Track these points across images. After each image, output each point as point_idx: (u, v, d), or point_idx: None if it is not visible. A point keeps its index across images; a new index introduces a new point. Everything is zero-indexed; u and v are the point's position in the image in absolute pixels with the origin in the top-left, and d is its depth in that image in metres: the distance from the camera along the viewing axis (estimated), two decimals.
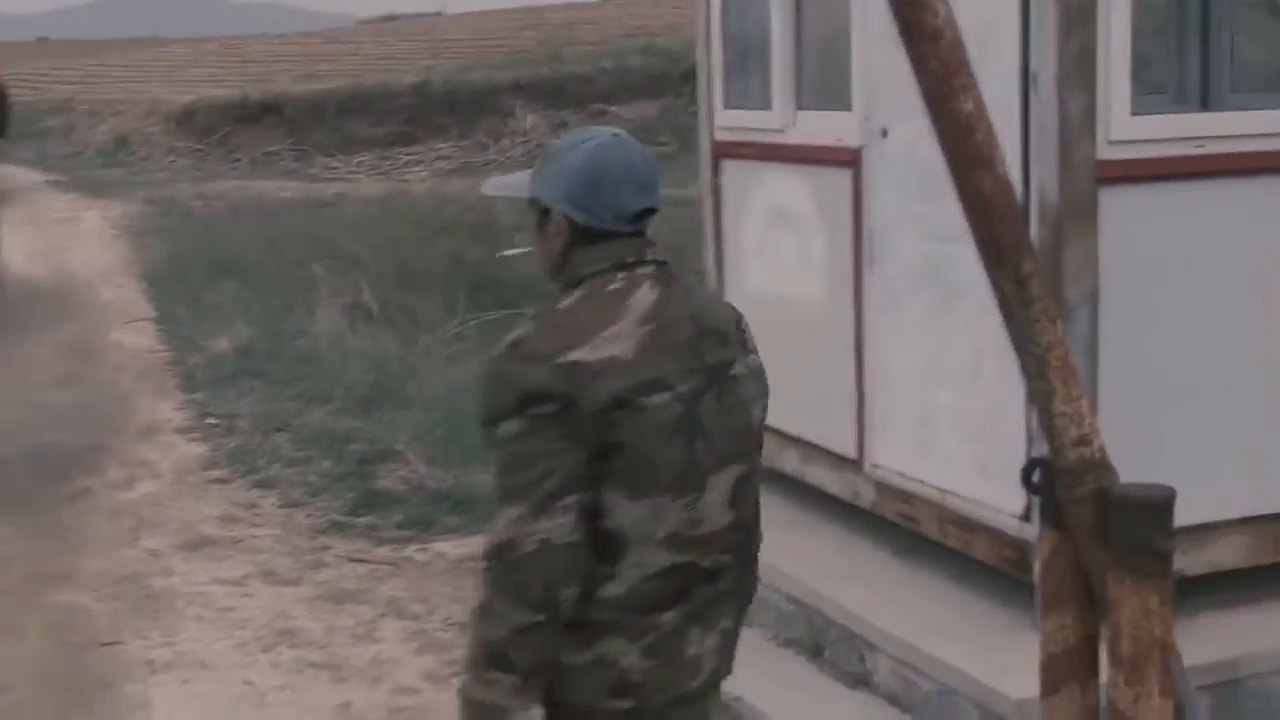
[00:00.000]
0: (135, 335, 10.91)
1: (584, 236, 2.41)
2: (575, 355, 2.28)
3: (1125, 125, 4.16)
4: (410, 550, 6.33)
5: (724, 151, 5.94)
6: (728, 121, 5.89)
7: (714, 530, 2.42)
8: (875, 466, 5.09)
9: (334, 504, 6.91)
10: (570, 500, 2.27)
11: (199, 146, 27.34)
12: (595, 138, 2.44)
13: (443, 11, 59.88)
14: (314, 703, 4.88)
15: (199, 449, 7.89)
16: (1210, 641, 4.15)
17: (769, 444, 5.34)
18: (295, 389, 8.87)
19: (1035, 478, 2.45)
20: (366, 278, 11.70)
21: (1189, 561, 4.08)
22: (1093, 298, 4.17)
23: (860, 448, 5.15)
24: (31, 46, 57.32)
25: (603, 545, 2.32)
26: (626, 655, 2.37)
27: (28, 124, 25.68)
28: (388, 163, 26.10)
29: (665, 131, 23.17)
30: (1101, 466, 2.38)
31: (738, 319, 2.55)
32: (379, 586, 5.90)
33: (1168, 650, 2.37)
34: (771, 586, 4.98)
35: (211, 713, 4.85)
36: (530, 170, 2.52)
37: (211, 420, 8.44)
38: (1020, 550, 4.33)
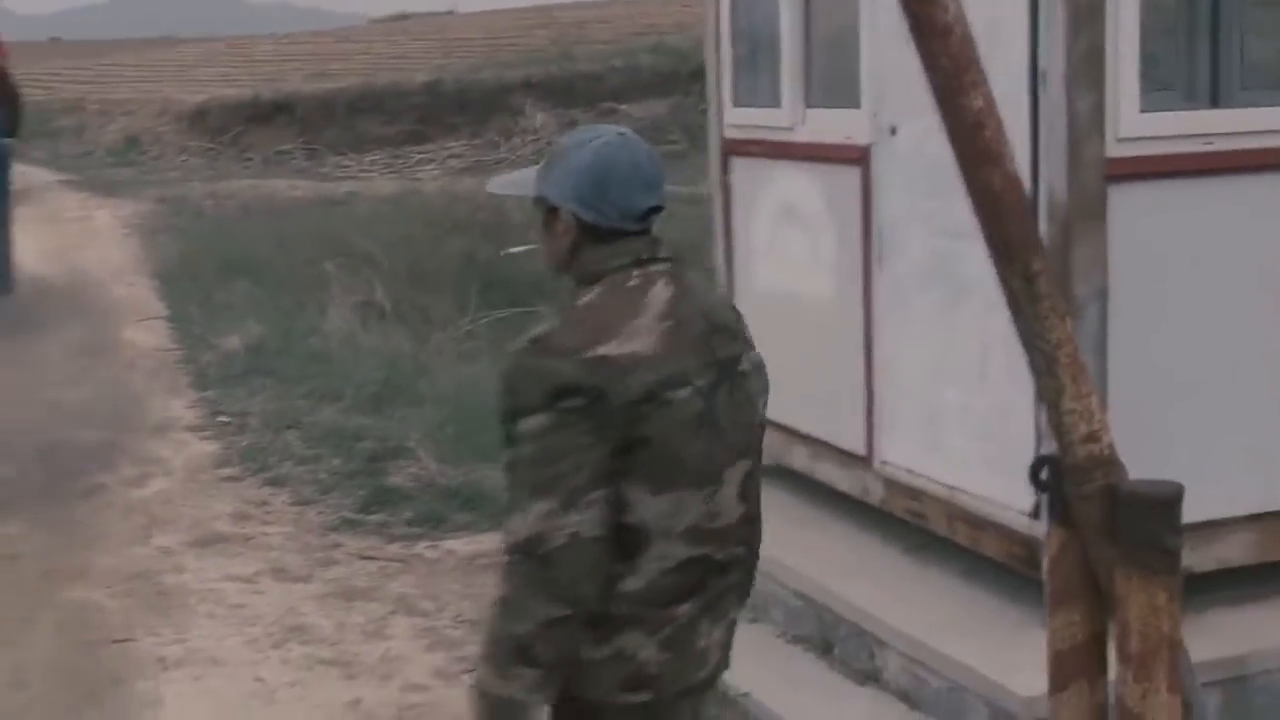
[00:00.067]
0: (147, 333, 10.91)
1: (592, 235, 2.43)
2: (602, 350, 2.30)
3: (1134, 122, 4.16)
4: (420, 547, 6.34)
5: (733, 149, 5.94)
6: (737, 119, 5.89)
7: (729, 523, 2.44)
8: (884, 463, 5.10)
9: (345, 501, 6.91)
10: (597, 495, 2.28)
11: (211, 146, 27.32)
12: (602, 137, 2.45)
13: (454, 10, 59.93)
14: (324, 699, 4.90)
15: (211, 446, 7.91)
16: (1218, 638, 4.16)
17: (778, 440, 5.40)
18: (306, 387, 8.87)
19: (1044, 474, 2.45)
20: (378, 276, 11.68)
21: (1197, 558, 4.08)
22: (1102, 294, 4.17)
23: (869, 445, 5.15)
24: (44, 46, 57.31)
25: (623, 540, 2.33)
26: (644, 649, 2.39)
27: (40, 124, 25.69)
28: (399, 161, 26.07)
29: (675, 130, 23.13)
30: (1110, 463, 2.38)
31: (738, 315, 2.58)
32: (389, 583, 5.92)
33: (1176, 647, 2.38)
34: (781, 583, 5.00)
35: (222, 709, 4.87)
36: (535, 168, 2.54)
37: (223, 418, 8.45)
38: (1029, 547, 4.33)
